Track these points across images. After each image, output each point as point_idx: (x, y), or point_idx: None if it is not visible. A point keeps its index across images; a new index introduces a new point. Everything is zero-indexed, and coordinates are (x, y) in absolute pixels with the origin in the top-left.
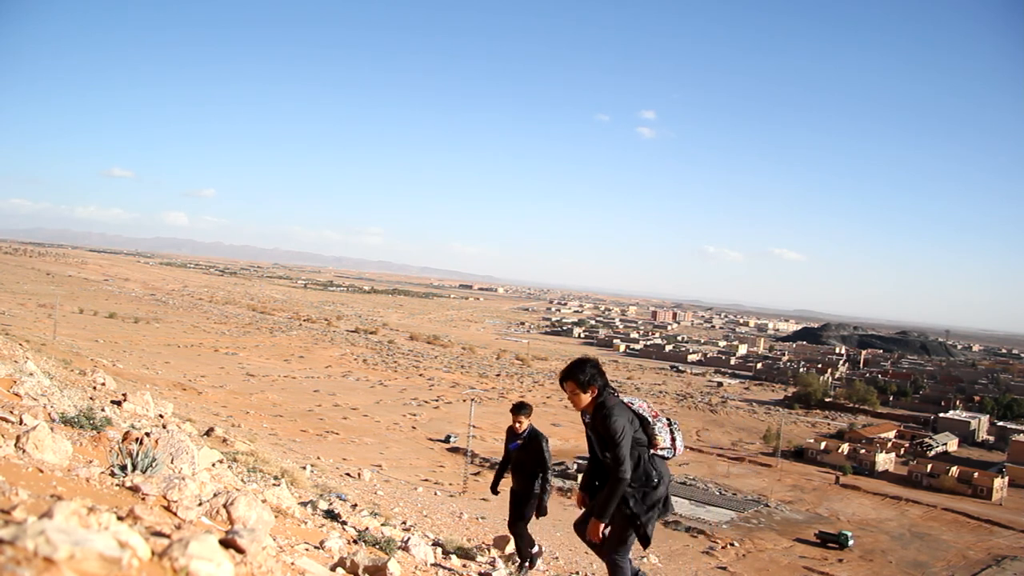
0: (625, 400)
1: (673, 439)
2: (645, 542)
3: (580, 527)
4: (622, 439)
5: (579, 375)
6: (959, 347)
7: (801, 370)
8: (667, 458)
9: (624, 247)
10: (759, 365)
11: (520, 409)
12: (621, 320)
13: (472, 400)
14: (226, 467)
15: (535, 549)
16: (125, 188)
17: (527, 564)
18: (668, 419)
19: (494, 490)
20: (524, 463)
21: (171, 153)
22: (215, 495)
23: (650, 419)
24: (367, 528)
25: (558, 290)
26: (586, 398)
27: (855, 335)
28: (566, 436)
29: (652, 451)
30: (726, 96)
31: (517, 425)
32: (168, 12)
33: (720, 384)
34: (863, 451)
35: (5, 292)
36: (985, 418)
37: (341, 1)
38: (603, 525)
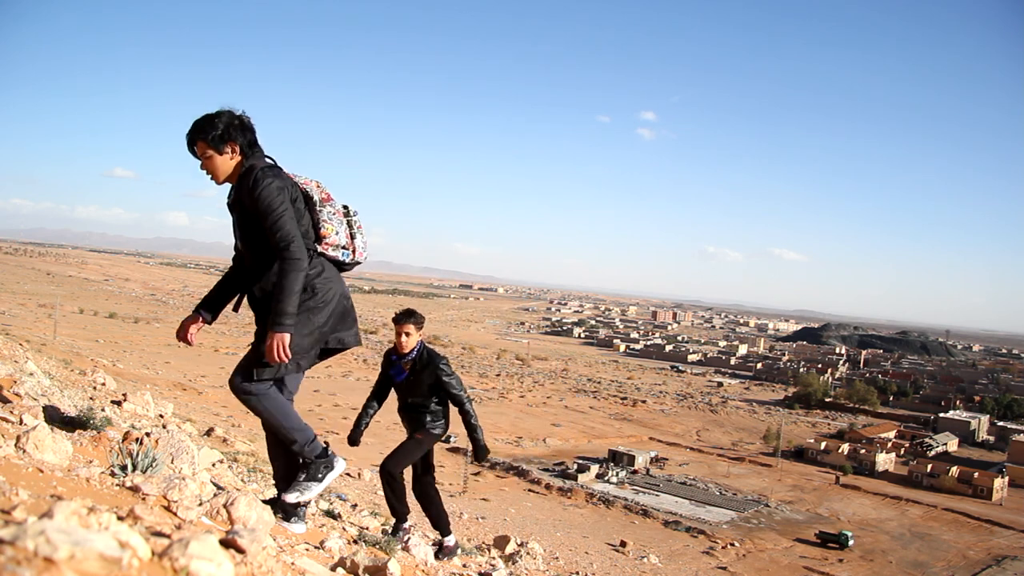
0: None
1: (352, 237)
2: (296, 370)
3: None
4: (284, 211)
5: (209, 128)
6: (959, 347)
7: (801, 370)
8: (343, 262)
9: (624, 247)
10: (759, 365)
11: (407, 317)
12: (621, 320)
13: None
14: (226, 467)
15: (451, 541)
16: (126, 188)
17: (448, 543)
18: (347, 207)
19: (353, 441)
20: (418, 395)
21: (172, 153)
22: (215, 495)
23: (317, 200)
24: (367, 528)
25: (558, 290)
26: (225, 163)
27: (855, 335)
28: (566, 436)
29: (319, 247)
30: (726, 97)
31: (402, 340)
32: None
33: (720, 384)
34: (863, 451)
35: (6, 292)
36: (985, 418)
37: (342, 1)
38: (285, 338)
